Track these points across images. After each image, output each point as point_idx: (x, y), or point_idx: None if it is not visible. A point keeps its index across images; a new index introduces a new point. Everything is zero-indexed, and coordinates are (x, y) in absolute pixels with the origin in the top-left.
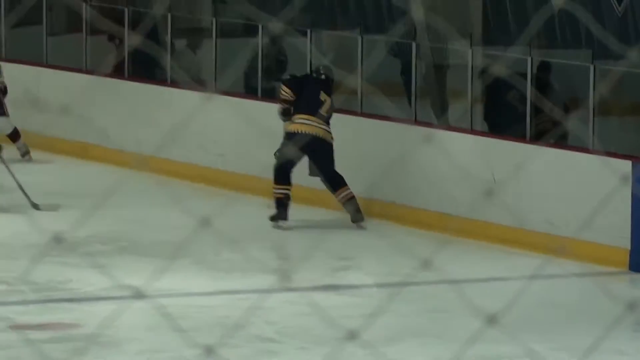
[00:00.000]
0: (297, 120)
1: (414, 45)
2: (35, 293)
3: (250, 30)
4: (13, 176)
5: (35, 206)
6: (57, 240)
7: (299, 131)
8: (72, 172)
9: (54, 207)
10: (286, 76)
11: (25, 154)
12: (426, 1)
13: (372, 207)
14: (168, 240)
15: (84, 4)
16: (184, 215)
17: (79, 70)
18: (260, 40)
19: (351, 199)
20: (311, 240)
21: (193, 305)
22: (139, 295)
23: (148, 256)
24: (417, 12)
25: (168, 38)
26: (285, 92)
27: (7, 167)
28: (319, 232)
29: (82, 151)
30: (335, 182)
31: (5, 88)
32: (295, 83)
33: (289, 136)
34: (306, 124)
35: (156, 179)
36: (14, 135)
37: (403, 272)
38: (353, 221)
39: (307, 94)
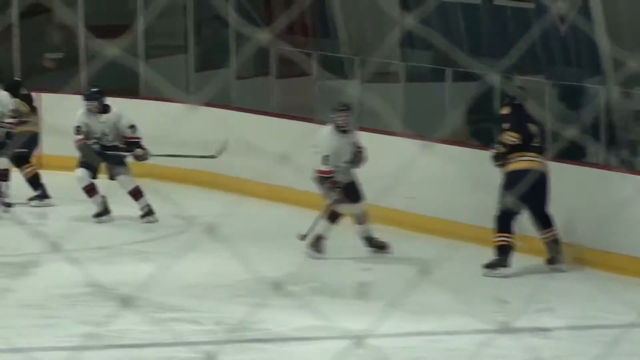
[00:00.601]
0: (518, 158)
1: (601, 89)
2: (227, 333)
3: (437, 74)
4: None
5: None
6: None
7: (529, 168)
8: (264, 214)
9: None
10: (506, 112)
11: (145, 215)
12: (616, 42)
13: (566, 250)
14: (359, 281)
15: (270, 49)
16: (372, 257)
17: (266, 113)
18: (447, 85)
19: (557, 240)
20: (507, 284)
21: (386, 346)
22: (329, 335)
23: (339, 297)
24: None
25: (357, 82)
26: (515, 137)
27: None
28: (514, 276)
29: (273, 194)
30: (546, 220)
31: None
32: (519, 124)
33: (518, 174)
34: (530, 160)
35: (343, 222)
36: (136, 193)
37: (596, 315)
38: (551, 262)
39: (523, 130)
